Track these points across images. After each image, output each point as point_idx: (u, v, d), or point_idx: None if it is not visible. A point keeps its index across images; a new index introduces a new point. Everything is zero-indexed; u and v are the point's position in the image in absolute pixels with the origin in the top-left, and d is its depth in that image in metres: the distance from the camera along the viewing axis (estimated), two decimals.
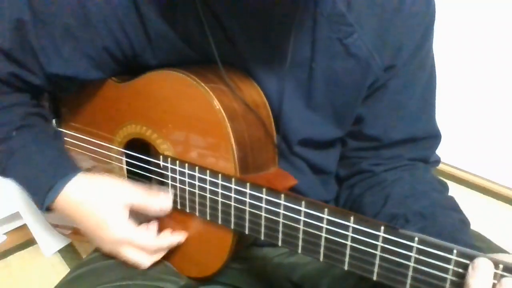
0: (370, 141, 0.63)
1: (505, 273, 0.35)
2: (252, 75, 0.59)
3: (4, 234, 1.28)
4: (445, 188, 0.62)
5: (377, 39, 0.56)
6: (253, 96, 0.59)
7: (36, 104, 0.67)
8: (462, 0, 1.19)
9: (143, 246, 0.59)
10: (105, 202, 0.59)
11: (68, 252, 1.27)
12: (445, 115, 1.32)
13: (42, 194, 0.59)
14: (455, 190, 1.36)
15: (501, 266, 0.35)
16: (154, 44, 0.58)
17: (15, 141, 0.61)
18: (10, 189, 1.12)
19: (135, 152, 0.65)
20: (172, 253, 0.64)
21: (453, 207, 0.57)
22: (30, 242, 1.28)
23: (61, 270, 1.21)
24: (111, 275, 0.61)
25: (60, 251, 1.28)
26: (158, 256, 0.61)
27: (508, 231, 1.17)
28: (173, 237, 0.61)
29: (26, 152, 0.61)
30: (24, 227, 1.26)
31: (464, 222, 0.54)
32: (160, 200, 0.59)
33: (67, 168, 0.61)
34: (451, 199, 0.58)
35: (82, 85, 0.68)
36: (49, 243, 1.25)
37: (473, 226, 0.63)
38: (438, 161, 0.67)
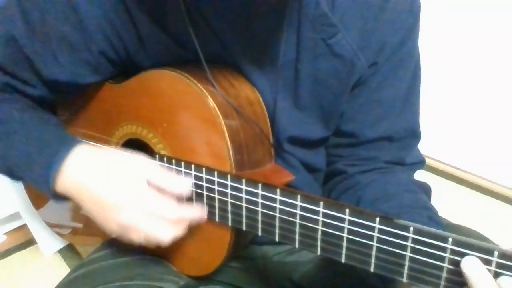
0: (347, 137, 0.63)
1: (500, 260, 0.35)
2: (244, 74, 0.60)
3: (4, 234, 1.28)
4: (422, 188, 0.60)
5: (361, 38, 0.56)
6: (247, 93, 0.60)
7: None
8: (463, 0, 1.20)
9: (165, 215, 0.52)
10: (123, 171, 0.54)
11: (68, 252, 1.27)
12: (445, 115, 1.33)
13: (45, 167, 0.54)
14: (455, 190, 1.36)
15: (496, 253, 0.35)
16: (147, 46, 0.59)
17: (15, 121, 0.58)
18: (10, 189, 1.12)
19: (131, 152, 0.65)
20: (171, 252, 0.64)
21: (423, 205, 0.56)
22: (30, 242, 1.28)
23: (61, 270, 1.21)
24: (111, 276, 0.61)
25: (60, 251, 1.27)
26: (178, 230, 0.53)
27: (508, 231, 1.17)
28: (194, 209, 0.55)
29: (28, 128, 0.58)
30: (24, 227, 1.25)
31: (432, 218, 0.54)
32: (180, 182, 0.55)
33: (71, 139, 0.57)
34: (422, 198, 0.57)
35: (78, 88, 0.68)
36: (49, 243, 1.25)
37: (473, 226, 0.63)
38: (422, 162, 0.66)
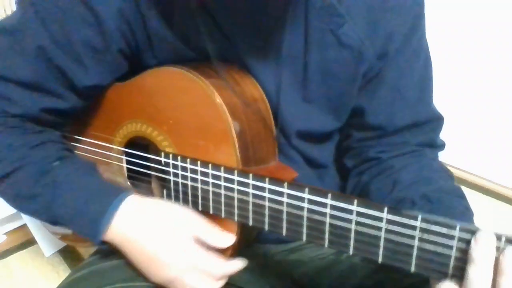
0: (375, 130, 0.64)
1: (508, 245, 0.35)
2: (249, 69, 0.60)
3: (4, 234, 1.27)
4: (451, 177, 0.62)
5: (368, 28, 0.57)
6: (251, 90, 0.60)
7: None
8: (465, 0, 1.20)
9: (212, 272, 0.55)
10: (172, 226, 0.55)
11: (68, 252, 1.26)
12: (444, 115, 1.33)
13: (95, 220, 0.55)
14: None
15: (503, 238, 0.35)
16: (154, 44, 0.60)
17: (58, 172, 0.58)
18: None
19: (135, 151, 0.65)
20: None
21: (459, 194, 0.57)
22: (30, 242, 1.27)
23: (61, 270, 1.20)
24: (113, 277, 0.61)
25: (60, 251, 1.26)
26: (221, 283, 0.56)
27: (509, 231, 1.17)
28: (238, 263, 0.57)
29: (72, 179, 0.58)
30: (24, 227, 1.25)
31: (469, 209, 0.55)
32: (225, 237, 0.57)
33: (118, 189, 0.58)
34: (458, 187, 0.59)
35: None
36: (49, 243, 1.24)
37: None
38: (443, 145, 0.68)
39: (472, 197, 1.34)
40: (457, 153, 1.34)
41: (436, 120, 0.66)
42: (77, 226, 0.57)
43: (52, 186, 0.57)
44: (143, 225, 0.55)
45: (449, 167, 1.39)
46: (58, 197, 0.57)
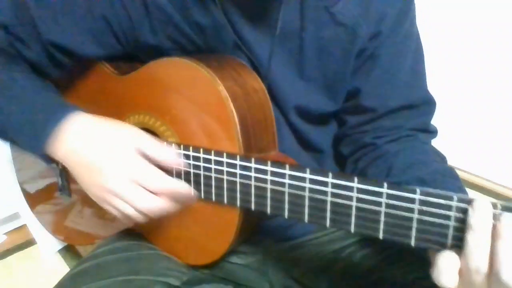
0: (368, 112, 0.65)
1: (504, 212, 0.36)
2: (243, 44, 0.61)
3: (4, 234, 1.28)
4: (444, 160, 0.64)
5: (361, 7, 0.59)
6: (252, 81, 0.62)
7: None
8: (465, 0, 1.22)
9: (149, 184, 0.52)
10: (115, 139, 0.54)
11: (68, 252, 1.27)
12: (444, 114, 1.34)
13: (39, 129, 0.56)
14: None
15: (499, 205, 0.36)
16: (152, 15, 0.61)
17: (17, 84, 0.61)
18: (10, 189, 1.12)
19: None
20: (177, 242, 0.65)
21: (453, 175, 0.58)
22: (30, 242, 1.28)
23: (61, 270, 1.21)
24: (116, 270, 0.62)
25: (60, 251, 1.27)
26: (162, 203, 0.53)
27: None
28: (181, 183, 0.55)
29: (26, 92, 0.60)
30: (24, 227, 1.26)
31: (462, 189, 0.56)
32: (169, 153, 0.55)
33: (67, 105, 0.59)
34: (451, 168, 0.60)
35: (80, 79, 0.70)
36: (49, 243, 1.25)
37: None
38: (436, 131, 0.68)
39: (472, 197, 1.34)
40: (457, 153, 1.35)
41: (429, 104, 0.67)
42: (22, 136, 0.58)
43: (8, 95, 0.59)
44: (87, 137, 0.55)
45: None
46: (10, 107, 0.58)
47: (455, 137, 1.29)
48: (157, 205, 0.53)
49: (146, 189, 0.52)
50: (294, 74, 0.62)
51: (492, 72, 1.23)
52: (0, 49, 0.63)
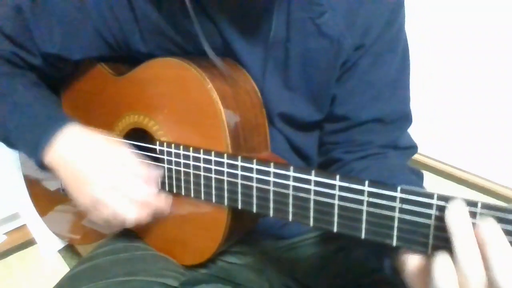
0: (340, 121, 0.64)
1: (484, 210, 0.36)
2: (235, 54, 0.61)
3: (4, 234, 1.29)
4: (414, 172, 0.60)
5: (347, 19, 0.58)
6: (244, 83, 0.62)
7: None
8: (466, 1, 1.21)
9: (132, 195, 0.57)
10: (104, 153, 0.59)
11: (68, 252, 1.28)
12: (444, 114, 1.34)
13: (37, 140, 0.60)
14: (455, 190, 1.36)
15: (479, 204, 0.36)
16: (141, 25, 0.62)
17: (19, 94, 0.64)
18: (10, 189, 1.14)
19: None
20: (170, 244, 0.66)
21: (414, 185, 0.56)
22: (30, 242, 1.29)
23: (61, 270, 1.22)
24: (114, 271, 0.62)
25: (60, 251, 1.29)
26: (142, 212, 0.58)
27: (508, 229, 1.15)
28: (161, 198, 0.60)
29: (29, 104, 0.64)
30: (24, 227, 1.27)
31: None
32: (153, 170, 0.60)
33: (65, 118, 0.63)
34: (413, 179, 0.58)
35: (80, 80, 0.71)
36: (49, 243, 1.26)
37: None
38: (414, 147, 0.66)
39: (472, 197, 1.34)
40: (457, 153, 1.35)
41: (404, 120, 0.65)
42: (23, 144, 0.63)
43: (11, 105, 0.63)
44: (77, 147, 0.59)
45: (449, 167, 1.39)
46: (13, 116, 0.63)
47: (455, 137, 1.28)
48: (137, 214, 0.58)
49: (129, 198, 0.57)
50: (279, 84, 0.62)
51: (492, 72, 1.22)
52: (5, 59, 0.66)
